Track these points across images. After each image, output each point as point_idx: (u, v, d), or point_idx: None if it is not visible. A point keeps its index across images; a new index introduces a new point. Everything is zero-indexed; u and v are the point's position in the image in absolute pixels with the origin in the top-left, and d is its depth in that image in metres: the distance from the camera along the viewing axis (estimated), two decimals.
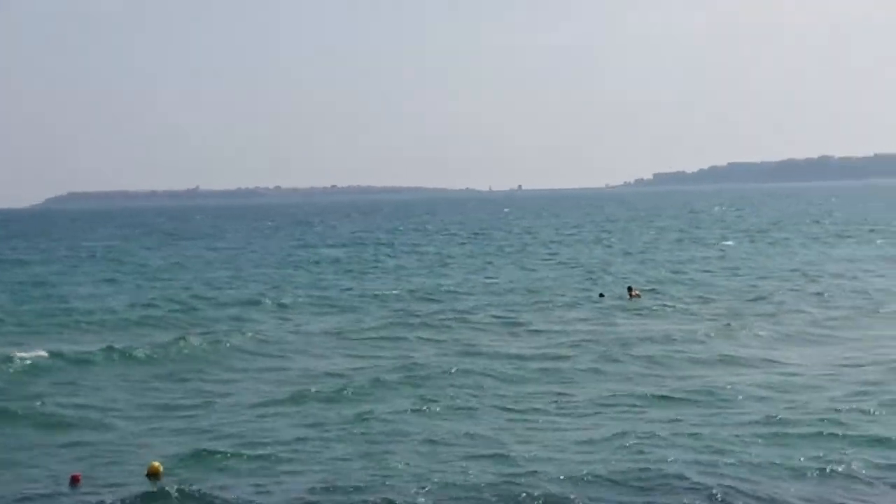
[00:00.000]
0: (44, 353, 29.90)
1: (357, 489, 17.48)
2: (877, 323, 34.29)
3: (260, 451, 19.70)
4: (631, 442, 19.68)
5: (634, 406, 22.95)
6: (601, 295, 42.81)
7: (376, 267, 63.28)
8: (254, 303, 43.44)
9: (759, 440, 19.66)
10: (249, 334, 33.63)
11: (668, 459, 18.46)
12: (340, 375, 27.25)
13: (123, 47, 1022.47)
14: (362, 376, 26.69)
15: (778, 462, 18.25)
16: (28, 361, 28.93)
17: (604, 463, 18.47)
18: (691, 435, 20.11)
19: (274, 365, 29.42)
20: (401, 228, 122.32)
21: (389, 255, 74.21)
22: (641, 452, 19.03)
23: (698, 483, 17.31)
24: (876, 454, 18.73)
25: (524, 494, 17.00)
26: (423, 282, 51.99)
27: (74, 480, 18.38)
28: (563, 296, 43.82)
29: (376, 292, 46.66)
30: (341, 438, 20.64)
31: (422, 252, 76.72)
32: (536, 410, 22.75)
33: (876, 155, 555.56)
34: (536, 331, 34.38)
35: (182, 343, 31.64)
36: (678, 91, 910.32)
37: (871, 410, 21.74)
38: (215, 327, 36.19)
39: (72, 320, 38.86)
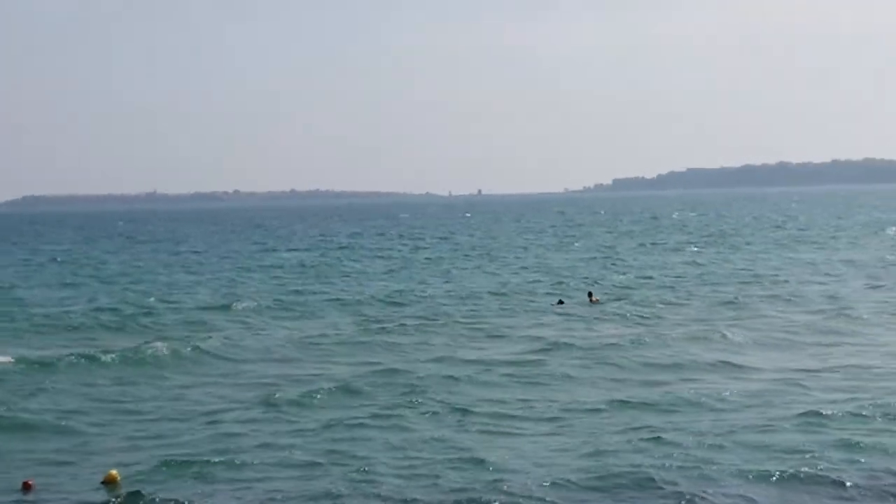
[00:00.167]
0: (5, 359, 29.37)
1: (320, 496, 17.21)
2: (845, 327, 34.32)
3: (220, 459, 19.36)
4: (599, 447, 19.53)
5: (601, 411, 22.77)
6: (560, 301, 42.30)
7: (340, 271, 62.99)
8: (216, 307, 42.95)
9: (729, 444, 19.53)
10: (212, 339, 33.17)
11: (637, 464, 18.31)
12: (305, 381, 26.89)
13: (77, 48, 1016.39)
14: (327, 382, 26.32)
15: (748, 467, 18.12)
16: None
17: (572, 469, 18.31)
18: (656, 439, 19.96)
19: (237, 370, 29.02)
20: (362, 233, 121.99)
21: (353, 259, 73.92)
22: (609, 457, 18.89)
23: (669, 488, 17.18)
24: (845, 457, 18.67)
25: (494, 501, 16.79)
26: (388, 286, 51.68)
27: (27, 487, 18.01)
28: (529, 301, 43.66)
29: (341, 296, 46.43)
30: (305, 445, 20.31)
31: (386, 256, 76.46)
32: (503, 416, 22.57)
33: (833, 161, 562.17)
34: (501, 336, 34.20)
35: (144, 348, 31.17)
36: (637, 96, 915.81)
37: (840, 414, 21.69)
38: (177, 332, 35.75)
39: (32, 325, 38.34)
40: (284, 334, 34.86)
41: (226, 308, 42.43)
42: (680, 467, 18.18)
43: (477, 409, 23.04)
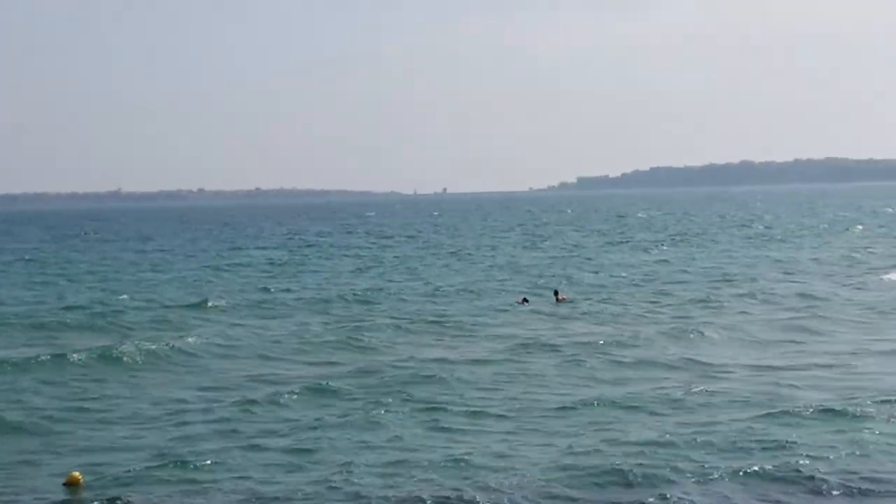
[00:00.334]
0: None
1: (293, 498, 17.11)
2: (818, 325, 34.48)
3: (188, 460, 19.10)
4: (573, 447, 19.53)
5: (574, 409, 22.69)
6: (524, 300, 42.07)
7: (309, 269, 62.73)
8: (185, 306, 42.46)
9: (705, 443, 19.52)
10: (181, 338, 32.65)
11: (612, 464, 18.29)
12: (276, 380, 26.70)
13: (51, 45, 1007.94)
14: (299, 381, 26.13)
15: (725, 465, 18.12)
16: None
17: (548, 468, 18.29)
18: (629, 438, 19.98)
19: (207, 370, 28.72)
20: (330, 231, 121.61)
21: (322, 258, 73.66)
22: (584, 457, 18.86)
23: (645, 488, 17.23)
24: (821, 456, 18.66)
25: (471, 499, 16.79)
26: (358, 284, 51.50)
27: None
28: (498, 300, 43.54)
29: (311, 295, 46.17)
30: (276, 445, 20.11)
31: (354, 255, 76.18)
32: (475, 414, 22.41)
33: (795, 160, 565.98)
34: (471, 335, 34.07)
35: (112, 347, 30.70)
36: (601, 95, 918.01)
37: (815, 412, 21.73)
38: (147, 331, 35.35)
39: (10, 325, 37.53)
40: (255, 333, 34.52)
41: (195, 307, 41.98)
42: (655, 466, 18.14)
43: (449, 408, 22.87)
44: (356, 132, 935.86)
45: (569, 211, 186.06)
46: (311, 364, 29.36)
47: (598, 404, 23.03)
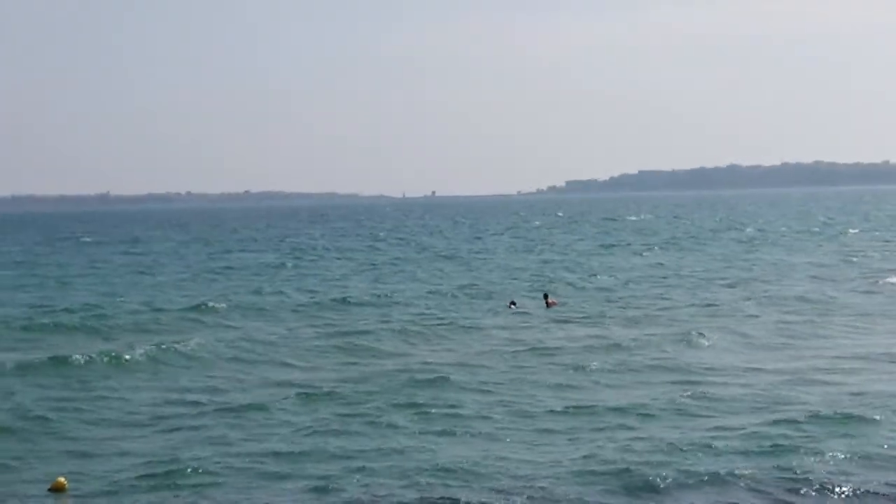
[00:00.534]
0: None
1: None
2: (821, 328, 34.41)
3: (176, 467, 18.81)
4: (584, 451, 19.44)
5: (580, 414, 22.53)
6: (512, 303, 41.71)
7: (305, 272, 62.43)
8: (180, 309, 41.93)
9: (716, 447, 19.41)
10: (173, 342, 32.14)
11: (622, 468, 18.24)
12: (270, 385, 26.47)
13: (38, 47, 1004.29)
14: (294, 386, 25.94)
15: (735, 470, 18.04)
16: None
17: (556, 472, 18.21)
18: (639, 442, 19.92)
19: (198, 374, 28.24)
20: (323, 234, 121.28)
21: (316, 260, 73.43)
22: (595, 462, 18.79)
23: (656, 494, 17.20)
24: (843, 459, 18.65)
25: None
26: (353, 287, 51.30)
27: None
28: (492, 302, 43.48)
29: (308, 298, 45.92)
30: (267, 451, 19.85)
31: (348, 258, 75.86)
32: (473, 418, 22.26)
33: (784, 164, 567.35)
34: (467, 339, 33.86)
35: (102, 352, 30.18)
36: (589, 99, 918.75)
37: (830, 416, 21.69)
38: (138, 335, 34.86)
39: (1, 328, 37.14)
40: (251, 336, 34.17)
41: (190, 310, 41.54)
42: (661, 471, 18.05)
43: (449, 412, 22.74)
44: (345, 136, 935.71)
45: (559, 214, 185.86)
46: (306, 368, 29.14)
47: (600, 409, 22.87)
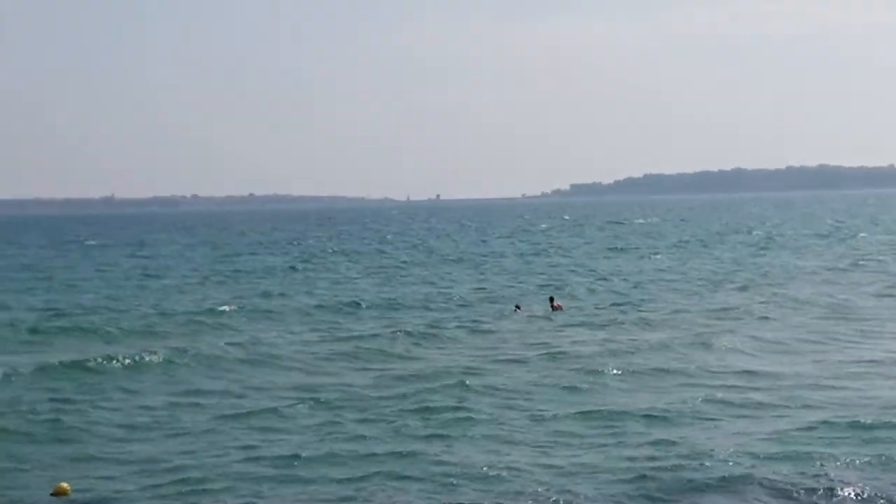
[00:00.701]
0: None
1: None
2: (846, 333, 34.12)
3: (182, 476, 18.54)
4: (617, 456, 19.26)
5: (591, 418, 22.35)
6: (517, 307, 41.36)
7: (315, 276, 62.03)
8: (188, 314, 41.54)
9: (743, 454, 19.16)
10: (181, 346, 31.81)
11: (650, 475, 18.00)
12: (281, 390, 26.18)
13: (43, 50, 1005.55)
14: (303, 391, 25.59)
15: (763, 476, 17.84)
16: None
17: (584, 479, 18.01)
18: (665, 447, 19.69)
19: (205, 381, 27.70)
20: (331, 237, 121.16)
21: (326, 264, 73.16)
22: (626, 467, 18.54)
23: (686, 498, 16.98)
24: (853, 469, 18.34)
25: None
26: (364, 290, 51.08)
27: None
28: (498, 305, 43.28)
29: (318, 302, 45.62)
30: (277, 457, 19.51)
31: (356, 261, 75.60)
32: (503, 424, 21.93)
33: (788, 167, 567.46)
34: (480, 342, 33.61)
35: (110, 355, 29.86)
36: (594, 102, 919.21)
37: (854, 420, 21.52)
38: (146, 339, 34.48)
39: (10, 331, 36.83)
40: (263, 341, 33.89)
41: (196, 314, 41.20)
42: (679, 474, 17.94)
43: (468, 417, 22.43)
44: (350, 138, 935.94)
45: (566, 217, 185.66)
46: (317, 372, 28.88)
47: (615, 413, 22.66)
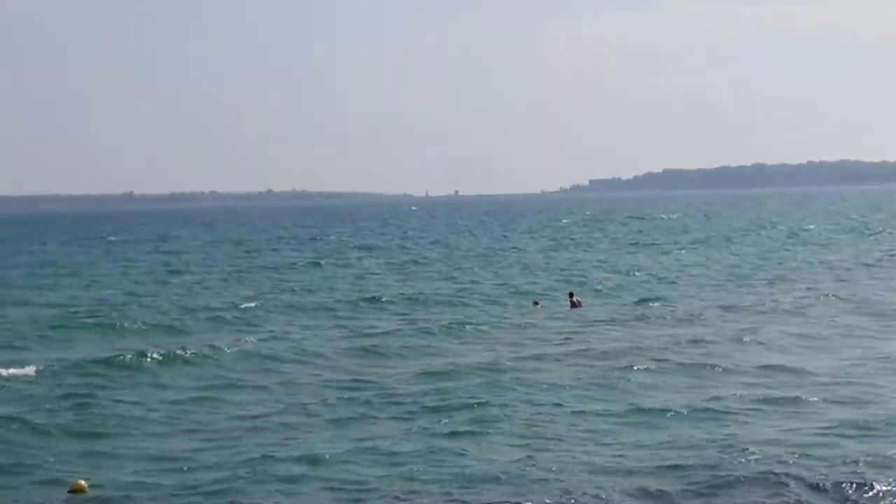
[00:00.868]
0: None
1: None
2: (880, 325, 33.87)
3: (198, 472, 18.35)
4: (657, 452, 19.10)
5: (635, 415, 22.10)
6: (535, 303, 41.18)
7: (338, 272, 61.77)
8: (210, 309, 41.21)
9: (786, 454, 18.83)
10: (204, 344, 31.39)
11: (696, 472, 17.79)
12: (303, 388, 25.86)
13: (53, 47, 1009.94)
14: (327, 391, 25.15)
15: (806, 476, 17.55)
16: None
17: (623, 476, 17.84)
18: (714, 445, 19.40)
19: (226, 378, 27.31)
20: (353, 232, 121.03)
21: (346, 259, 72.99)
22: (656, 460, 18.36)
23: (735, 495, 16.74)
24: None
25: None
26: (389, 286, 50.87)
27: None
28: (528, 301, 42.86)
29: (341, 298, 45.39)
30: (291, 459, 19.11)
31: (378, 256, 75.40)
32: (521, 420, 21.71)
33: (809, 162, 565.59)
34: (507, 339, 33.30)
35: (129, 355, 29.51)
36: (613, 98, 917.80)
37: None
38: (165, 337, 34.15)
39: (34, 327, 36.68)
40: (290, 337, 33.73)
41: (220, 310, 40.89)
42: (717, 471, 17.77)
43: (504, 416, 22.13)
44: (367, 134, 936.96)
45: (587, 213, 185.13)
46: (342, 369, 28.55)
47: (648, 409, 22.48)
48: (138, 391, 25.57)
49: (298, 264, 68.62)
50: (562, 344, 31.63)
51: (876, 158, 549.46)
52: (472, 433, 20.69)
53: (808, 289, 44.73)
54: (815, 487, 17.13)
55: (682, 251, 72.72)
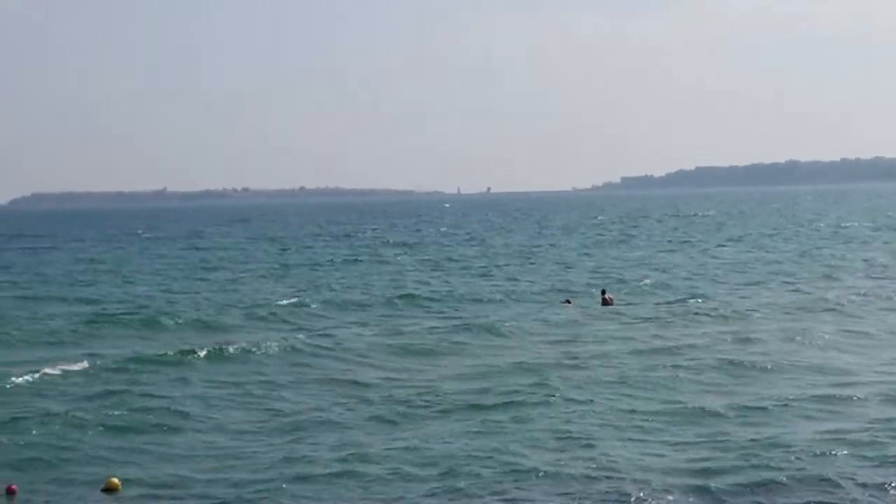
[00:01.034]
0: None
1: None
2: None
3: (233, 472, 18.14)
4: (711, 453, 18.81)
5: (688, 414, 21.76)
6: (567, 301, 40.79)
7: (376, 269, 61.34)
8: (248, 307, 40.84)
9: (840, 451, 18.64)
10: (240, 342, 30.98)
11: (746, 473, 17.52)
12: (351, 385, 25.66)
13: (78, 41, 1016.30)
14: (375, 389, 24.97)
15: (861, 475, 17.32)
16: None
17: (686, 473, 17.65)
18: (769, 445, 19.09)
19: (261, 376, 26.96)
20: (388, 230, 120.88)
21: (383, 255, 72.87)
22: (723, 466, 17.96)
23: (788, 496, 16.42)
24: None
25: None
26: (426, 284, 50.58)
27: (10, 492, 17.16)
28: (578, 298, 42.40)
29: (381, 295, 45.07)
30: (330, 459, 18.86)
31: (414, 254, 75.00)
32: (569, 419, 21.38)
33: (843, 159, 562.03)
34: (553, 336, 32.96)
35: (164, 353, 29.26)
36: (645, 94, 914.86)
37: None
38: (200, 336, 33.84)
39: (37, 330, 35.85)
40: (327, 333, 33.49)
41: (256, 307, 40.58)
42: (767, 472, 17.53)
43: (540, 412, 21.95)
44: (400, 131, 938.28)
45: (620, 210, 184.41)
46: (385, 367, 28.32)
47: (699, 409, 22.17)
48: (177, 388, 25.38)
49: (335, 261, 68.47)
50: (602, 342, 31.29)
51: None
52: (513, 431, 20.50)
53: (852, 286, 44.18)
54: (864, 486, 16.87)
55: (723, 248, 71.95)
